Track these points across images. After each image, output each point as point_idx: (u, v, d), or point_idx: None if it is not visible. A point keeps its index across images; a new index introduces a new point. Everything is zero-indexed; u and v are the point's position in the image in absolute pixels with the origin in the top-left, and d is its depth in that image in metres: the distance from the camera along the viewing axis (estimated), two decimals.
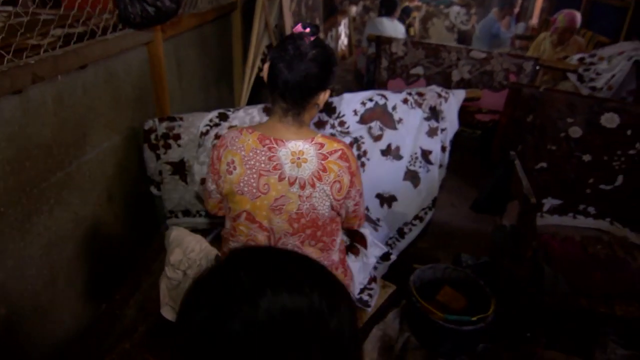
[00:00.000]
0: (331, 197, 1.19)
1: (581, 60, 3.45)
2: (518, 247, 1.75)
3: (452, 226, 2.60)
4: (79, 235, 1.58)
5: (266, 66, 1.17)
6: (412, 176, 2.03)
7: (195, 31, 2.39)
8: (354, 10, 5.63)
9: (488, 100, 3.23)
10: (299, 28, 1.15)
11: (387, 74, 3.54)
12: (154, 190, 2.00)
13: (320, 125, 1.92)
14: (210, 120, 1.92)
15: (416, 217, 2.05)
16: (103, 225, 1.71)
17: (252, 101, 2.87)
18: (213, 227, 2.20)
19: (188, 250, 1.26)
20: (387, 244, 2.02)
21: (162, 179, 1.95)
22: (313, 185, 1.17)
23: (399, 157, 2.00)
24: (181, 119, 1.91)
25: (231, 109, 2.00)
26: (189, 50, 2.35)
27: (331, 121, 1.92)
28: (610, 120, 2.36)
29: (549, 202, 2.62)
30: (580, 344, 1.70)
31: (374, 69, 3.68)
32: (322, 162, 1.17)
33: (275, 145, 1.17)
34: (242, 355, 0.45)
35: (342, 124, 1.92)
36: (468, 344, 1.68)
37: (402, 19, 4.46)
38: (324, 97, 1.21)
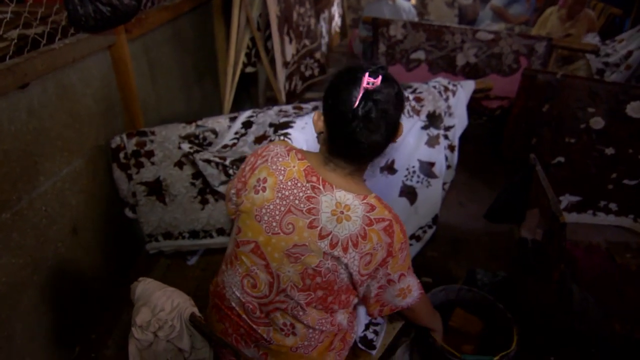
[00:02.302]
0: (356, 269, 0.98)
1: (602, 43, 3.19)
2: (543, 268, 1.54)
3: (463, 230, 2.39)
4: (39, 279, 1.37)
5: (320, 117, 0.98)
6: (408, 192, 1.82)
7: (169, 26, 2.12)
8: None
9: (496, 86, 2.96)
10: (368, 79, 0.88)
11: (385, 59, 3.26)
12: (128, 213, 1.78)
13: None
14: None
15: (412, 237, 1.85)
16: (69, 262, 1.50)
17: (237, 99, 2.61)
18: (197, 250, 2.00)
19: (157, 310, 1.05)
20: None
21: (136, 200, 1.73)
22: (345, 250, 0.96)
23: (393, 172, 1.79)
24: (153, 132, 1.67)
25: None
26: (162, 49, 2.09)
27: None
28: (637, 109, 2.12)
29: (566, 199, 2.41)
30: None
31: (370, 54, 3.40)
32: (366, 227, 0.96)
33: (320, 187, 0.96)
34: None
35: None
36: None
37: None
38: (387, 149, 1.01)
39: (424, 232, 1.95)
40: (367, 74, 0.89)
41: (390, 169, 1.85)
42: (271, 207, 0.97)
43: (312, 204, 0.96)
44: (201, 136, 1.70)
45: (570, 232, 2.19)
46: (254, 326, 1.07)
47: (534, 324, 1.56)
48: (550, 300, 1.52)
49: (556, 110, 2.28)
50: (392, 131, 0.97)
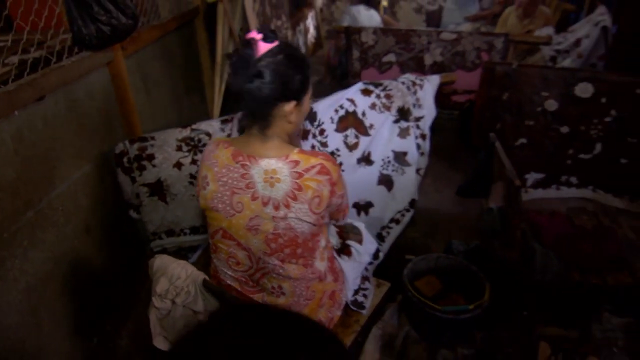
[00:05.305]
0: (310, 214, 1.12)
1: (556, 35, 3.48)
2: (507, 230, 1.75)
3: (440, 212, 2.60)
4: (59, 273, 1.52)
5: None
6: (385, 180, 2.02)
7: (158, 43, 2.31)
8: (319, 1, 5.55)
9: (462, 81, 3.22)
10: (252, 34, 1.07)
11: (359, 64, 3.50)
12: (133, 214, 1.94)
13: (303, 135, 1.89)
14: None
15: (392, 220, 2.04)
16: (84, 258, 1.65)
17: (225, 109, 2.81)
18: (199, 245, 2.15)
19: (174, 278, 1.22)
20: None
21: (140, 201, 1.89)
22: (288, 206, 1.10)
23: (370, 163, 1.99)
24: (153, 138, 1.84)
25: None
26: (153, 64, 2.27)
27: (313, 130, 1.88)
28: (584, 90, 2.37)
29: (532, 177, 2.63)
30: (576, 317, 1.72)
31: (346, 60, 3.64)
32: (297, 180, 1.09)
33: (248, 163, 1.12)
34: None
35: (322, 132, 1.89)
36: (467, 332, 1.68)
37: (376, 7, 4.40)
38: (289, 109, 1.10)
39: (402, 215, 2.14)
40: (254, 30, 1.07)
41: (367, 160, 2.05)
42: (219, 195, 1.15)
43: (247, 179, 1.11)
44: (196, 138, 1.87)
45: (537, 206, 2.43)
46: (250, 295, 1.26)
47: (505, 282, 1.76)
48: (515, 258, 1.72)
49: (515, 97, 2.52)
50: (262, 84, 1.04)
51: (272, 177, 1.10)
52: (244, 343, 0.44)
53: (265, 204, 1.11)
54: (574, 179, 2.58)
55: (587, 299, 1.71)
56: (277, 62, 1.05)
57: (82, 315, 1.64)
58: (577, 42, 3.31)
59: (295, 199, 1.10)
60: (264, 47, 1.05)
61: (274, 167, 1.10)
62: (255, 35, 1.06)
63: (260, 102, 1.08)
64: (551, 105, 2.46)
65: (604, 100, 2.35)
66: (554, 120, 2.47)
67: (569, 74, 2.40)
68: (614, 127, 2.38)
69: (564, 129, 2.47)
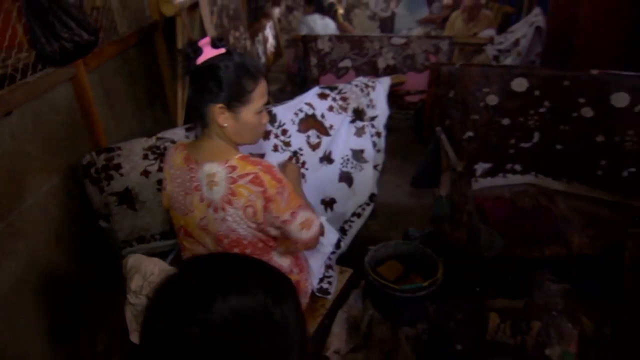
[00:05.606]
0: (246, 221, 1.16)
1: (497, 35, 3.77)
2: (455, 213, 1.93)
3: (400, 205, 2.78)
4: (33, 282, 1.57)
5: None
6: (346, 177, 2.17)
7: (119, 58, 2.38)
8: (277, 11, 5.69)
9: (414, 82, 3.44)
10: (201, 40, 1.16)
11: (317, 70, 3.66)
12: (102, 223, 1.99)
13: (264, 135, 2.00)
14: None
15: (354, 214, 2.20)
16: (56, 268, 1.70)
17: (188, 119, 2.88)
18: (170, 250, 2.22)
19: (147, 275, 1.30)
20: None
21: (109, 211, 1.95)
22: (224, 209, 1.15)
23: (331, 161, 2.13)
24: (119, 148, 1.91)
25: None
26: (116, 78, 2.34)
27: (274, 130, 1.99)
28: (520, 84, 2.60)
29: (480, 167, 2.85)
30: (521, 287, 1.91)
31: (304, 67, 3.79)
32: (231, 185, 1.13)
33: (194, 166, 1.20)
34: (200, 356, 0.52)
35: (284, 132, 2.01)
36: (425, 309, 1.83)
37: (331, 16, 4.59)
38: (216, 111, 1.15)
39: (363, 209, 2.29)
40: (207, 37, 1.18)
41: (328, 159, 2.19)
42: (174, 196, 1.26)
43: (195, 181, 1.19)
44: (162, 147, 1.96)
45: (487, 194, 2.64)
46: None
47: (456, 260, 1.94)
48: (462, 239, 1.90)
49: (460, 94, 2.73)
50: (194, 86, 1.15)
51: (212, 181, 1.16)
52: (209, 280, 0.56)
53: (209, 205, 1.20)
54: (517, 167, 2.81)
55: (529, 270, 1.90)
56: (210, 65, 1.14)
57: (57, 323, 1.68)
58: (516, 42, 3.60)
59: (230, 203, 1.15)
60: (209, 52, 1.15)
61: (214, 170, 1.16)
62: (202, 41, 1.17)
63: (193, 99, 1.19)
64: (492, 100, 2.68)
65: (537, 93, 2.59)
66: (496, 114, 2.70)
67: (505, 71, 2.63)
68: (548, 116, 2.62)
69: (505, 121, 2.70)
